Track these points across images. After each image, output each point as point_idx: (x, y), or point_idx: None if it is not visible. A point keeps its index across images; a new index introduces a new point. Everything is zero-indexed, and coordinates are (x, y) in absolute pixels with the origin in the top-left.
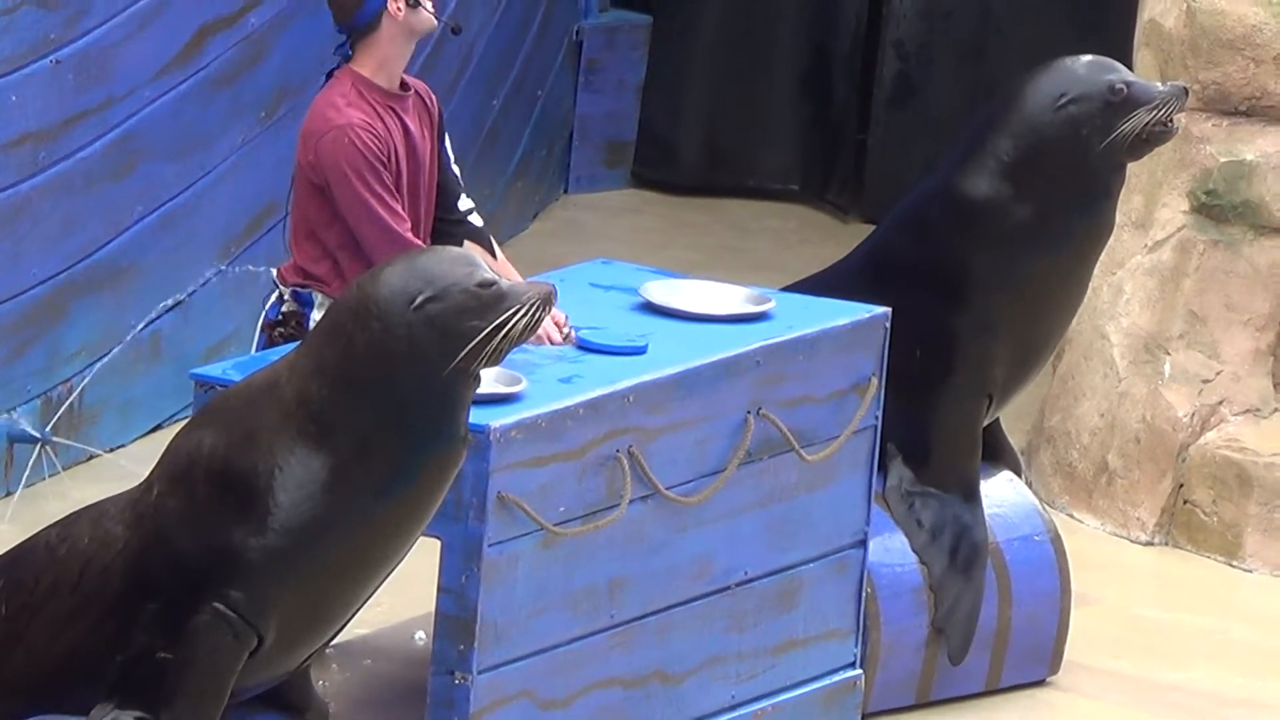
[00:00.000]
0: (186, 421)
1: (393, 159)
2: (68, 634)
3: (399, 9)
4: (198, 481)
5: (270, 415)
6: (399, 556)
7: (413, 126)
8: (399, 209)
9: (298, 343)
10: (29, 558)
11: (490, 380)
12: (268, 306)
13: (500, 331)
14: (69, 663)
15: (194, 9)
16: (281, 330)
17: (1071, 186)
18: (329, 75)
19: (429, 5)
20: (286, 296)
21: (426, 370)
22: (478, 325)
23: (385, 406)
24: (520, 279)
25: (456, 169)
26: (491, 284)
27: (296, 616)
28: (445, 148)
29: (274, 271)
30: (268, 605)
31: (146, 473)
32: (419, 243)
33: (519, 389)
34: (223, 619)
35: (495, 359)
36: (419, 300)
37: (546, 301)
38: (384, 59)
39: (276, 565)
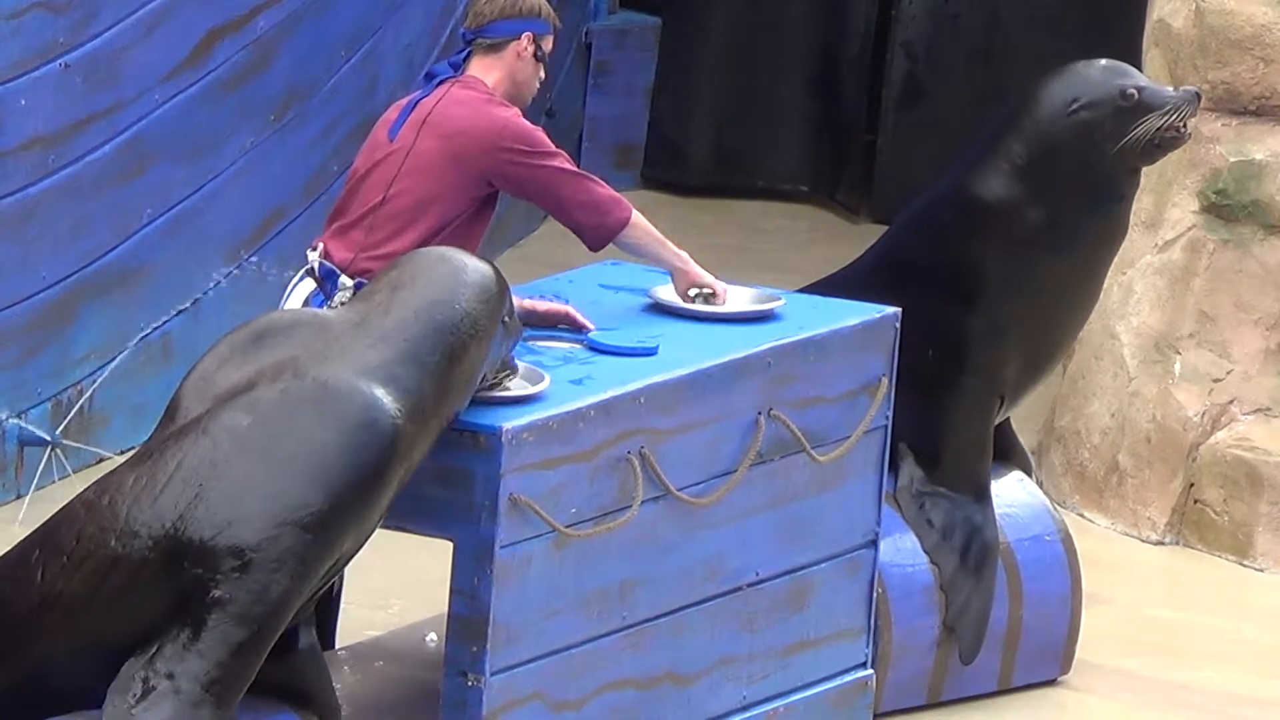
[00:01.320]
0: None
1: None
2: (111, 584)
3: (525, 49)
4: (275, 388)
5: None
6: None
7: None
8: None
9: None
10: (64, 523)
11: (516, 379)
12: (308, 294)
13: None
14: (106, 619)
15: (202, 12)
16: None
17: (1083, 191)
18: (430, 81)
19: (540, 78)
20: (349, 285)
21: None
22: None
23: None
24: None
25: None
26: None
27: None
28: None
29: (314, 259)
30: (343, 524)
31: None
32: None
33: (542, 387)
34: (294, 549)
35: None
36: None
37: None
38: (495, 85)
39: (349, 476)
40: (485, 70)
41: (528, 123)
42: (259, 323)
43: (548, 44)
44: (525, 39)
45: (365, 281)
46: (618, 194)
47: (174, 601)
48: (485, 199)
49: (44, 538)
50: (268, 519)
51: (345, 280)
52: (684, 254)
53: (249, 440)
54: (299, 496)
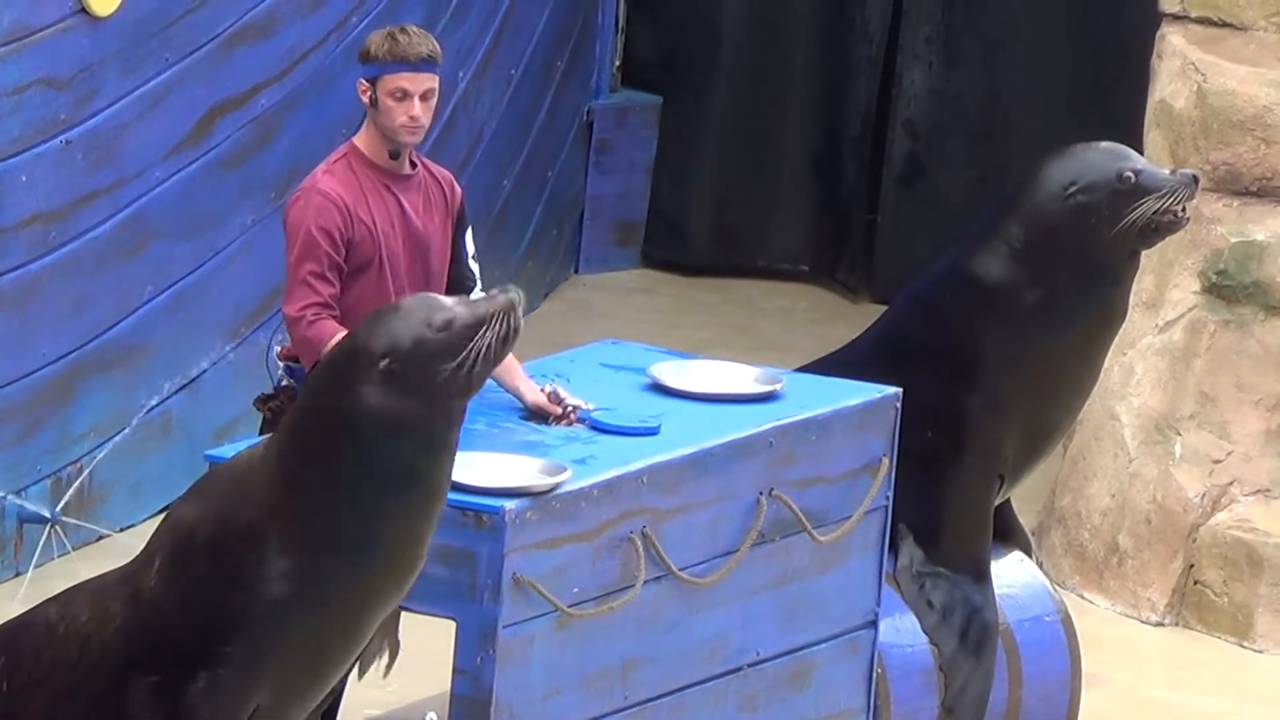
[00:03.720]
0: (180, 497)
1: (362, 234)
2: (69, 712)
3: (364, 95)
4: (191, 553)
5: (254, 487)
6: (388, 610)
7: (411, 207)
8: (317, 284)
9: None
10: (28, 634)
11: (535, 472)
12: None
13: (470, 363)
14: None
15: (204, 90)
16: (272, 404)
17: (1080, 273)
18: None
19: (399, 121)
20: (281, 371)
21: (403, 427)
22: (448, 368)
23: (364, 469)
24: (523, 373)
25: (475, 265)
26: (450, 322)
27: (290, 678)
28: (464, 241)
29: (276, 350)
30: (262, 669)
31: None
32: (310, 322)
33: (563, 478)
34: (217, 689)
35: (477, 384)
36: (385, 364)
37: (509, 312)
38: (372, 139)
39: (268, 627)
40: (363, 128)
41: (312, 203)
42: (208, 475)
43: (388, 84)
44: (360, 87)
45: (293, 366)
46: (311, 329)
47: None
48: (355, 270)
49: (7, 643)
50: (198, 662)
51: (281, 365)
52: None
53: (186, 585)
54: (226, 636)
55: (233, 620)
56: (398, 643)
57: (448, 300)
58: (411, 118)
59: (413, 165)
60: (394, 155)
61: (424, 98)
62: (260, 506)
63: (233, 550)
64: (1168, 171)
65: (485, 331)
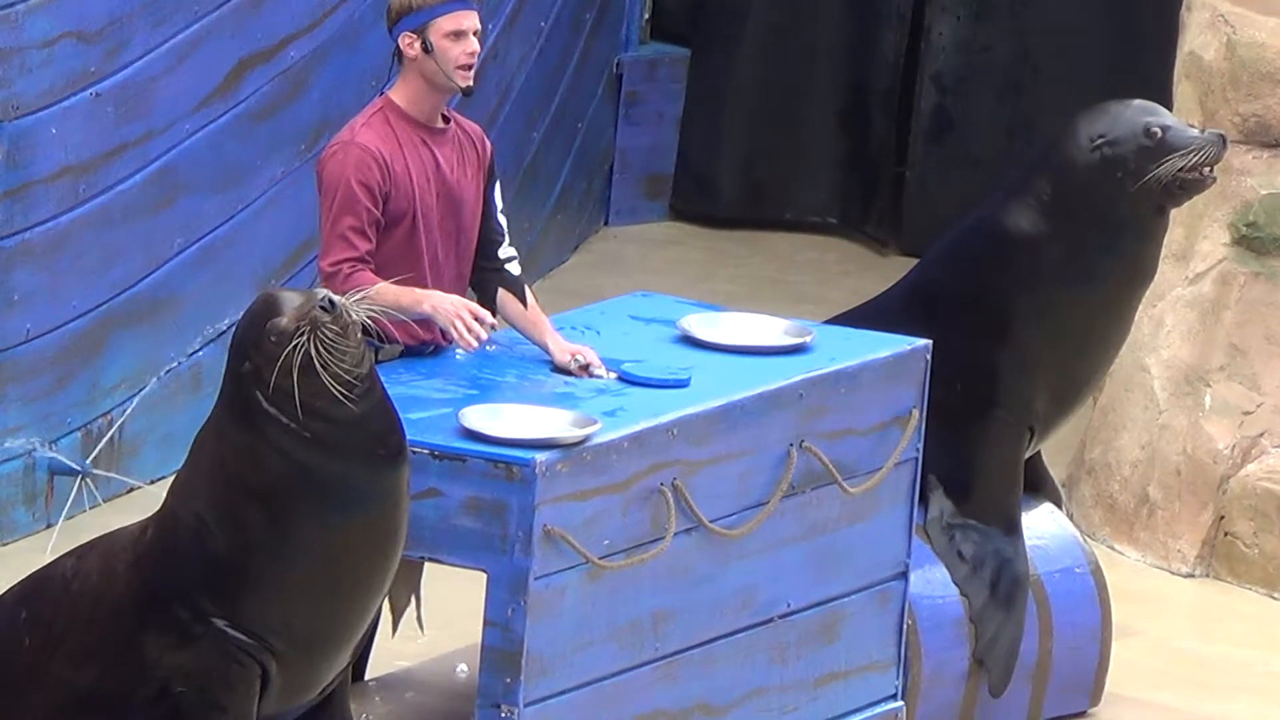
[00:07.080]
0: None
1: (399, 190)
2: (89, 670)
3: (412, 48)
4: (181, 517)
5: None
6: (384, 574)
7: (446, 162)
8: (354, 239)
9: None
10: (46, 589)
11: (565, 424)
12: None
13: (285, 370)
14: (92, 699)
15: (233, 42)
16: None
17: (1104, 228)
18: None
19: (459, 61)
20: None
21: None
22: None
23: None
24: (551, 328)
25: (504, 219)
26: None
27: (297, 638)
28: (494, 195)
29: None
30: (265, 626)
31: None
32: (346, 275)
33: (593, 430)
34: (223, 647)
35: (327, 376)
36: (247, 366)
37: (314, 322)
38: (413, 93)
39: (261, 583)
40: (401, 78)
41: (350, 156)
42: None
43: (443, 26)
44: (404, 40)
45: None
46: (348, 282)
47: (150, 699)
48: (388, 224)
49: (28, 597)
50: (202, 621)
51: None
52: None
53: (179, 546)
54: (224, 594)
55: (228, 579)
56: (420, 595)
57: (290, 302)
58: (470, 54)
59: (445, 120)
60: (467, 93)
61: (475, 35)
62: (221, 470)
63: (215, 512)
64: (1197, 130)
65: (292, 345)
